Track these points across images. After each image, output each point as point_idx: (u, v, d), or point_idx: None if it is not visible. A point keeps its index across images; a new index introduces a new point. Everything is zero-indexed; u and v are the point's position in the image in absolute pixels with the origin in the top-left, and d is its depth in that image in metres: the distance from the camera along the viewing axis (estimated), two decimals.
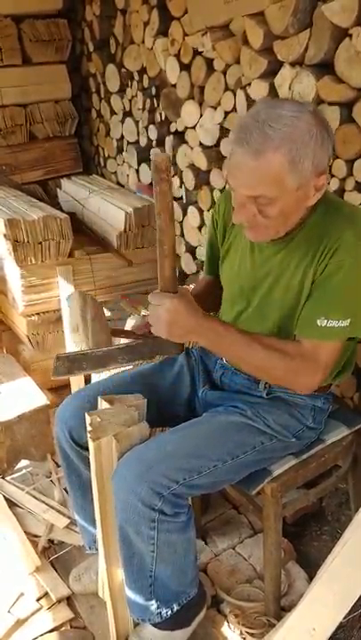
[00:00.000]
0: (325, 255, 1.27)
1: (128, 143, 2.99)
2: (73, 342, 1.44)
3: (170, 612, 1.45)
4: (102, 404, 1.46)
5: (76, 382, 2.61)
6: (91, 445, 1.39)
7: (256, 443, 1.43)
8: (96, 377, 2.40)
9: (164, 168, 1.15)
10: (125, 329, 1.58)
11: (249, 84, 2.00)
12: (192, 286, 2.20)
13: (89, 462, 1.44)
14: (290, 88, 1.81)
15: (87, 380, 2.57)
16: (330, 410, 1.56)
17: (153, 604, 1.43)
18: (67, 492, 2.05)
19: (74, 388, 2.58)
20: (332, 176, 1.77)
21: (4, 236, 2.47)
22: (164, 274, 1.25)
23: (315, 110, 1.21)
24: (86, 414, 1.41)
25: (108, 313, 2.51)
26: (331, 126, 1.24)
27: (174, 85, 2.43)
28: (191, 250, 2.64)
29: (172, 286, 1.25)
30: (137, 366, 1.69)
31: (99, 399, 1.47)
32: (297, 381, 1.35)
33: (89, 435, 1.39)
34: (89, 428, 1.39)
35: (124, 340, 1.79)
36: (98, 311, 1.42)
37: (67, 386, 2.66)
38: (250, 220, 1.27)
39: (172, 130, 2.56)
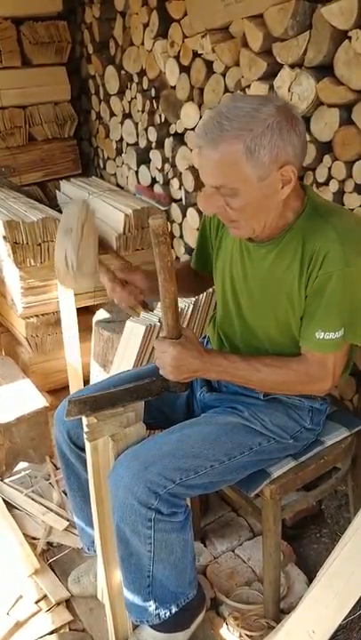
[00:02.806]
0: (313, 266, 1.27)
1: (127, 145, 2.99)
2: (59, 247, 1.39)
3: (168, 614, 1.45)
4: None
5: (75, 384, 2.61)
6: (87, 446, 1.39)
7: (253, 444, 1.43)
8: (95, 379, 2.40)
9: (161, 232, 1.21)
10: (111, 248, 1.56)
11: (248, 86, 2.00)
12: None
13: (87, 463, 1.44)
14: (289, 90, 1.81)
15: (86, 381, 2.57)
16: (327, 411, 1.56)
17: (151, 605, 1.43)
18: (65, 495, 2.05)
19: (72, 390, 2.58)
20: (332, 178, 1.77)
21: (4, 237, 2.47)
22: (168, 323, 1.33)
23: (283, 104, 1.22)
24: (83, 415, 1.41)
25: (106, 315, 2.51)
26: (300, 120, 1.24)
27: (174, 87, 2.43)
28: (190, 251, 2.64)
29: (176, 333, 1.33)
30: (136, 367, 1.69)
31: None
32: (311, 390, 1.42)
33: (86, 435, 1.39)
34: (86, 429, 1.40)
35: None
36: (91, 222, 1.39)
37: (65, 388, 2.67)
38: (220, 214, 1.30)
39: (172, 131, 2.56)
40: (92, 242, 1.39)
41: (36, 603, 1.72)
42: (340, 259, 1.24)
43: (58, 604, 1.72)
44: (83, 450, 1.50)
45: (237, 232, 1.34)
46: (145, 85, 2.69)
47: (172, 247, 2.75)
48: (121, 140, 3.04)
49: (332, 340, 1.30)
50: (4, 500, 2.07)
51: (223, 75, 2.12)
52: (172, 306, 1.31)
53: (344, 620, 1.38)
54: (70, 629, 1.67)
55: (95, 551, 1.62)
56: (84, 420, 1.42)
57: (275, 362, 1.38)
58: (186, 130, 2.43)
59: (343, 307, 1.29)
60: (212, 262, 1.59)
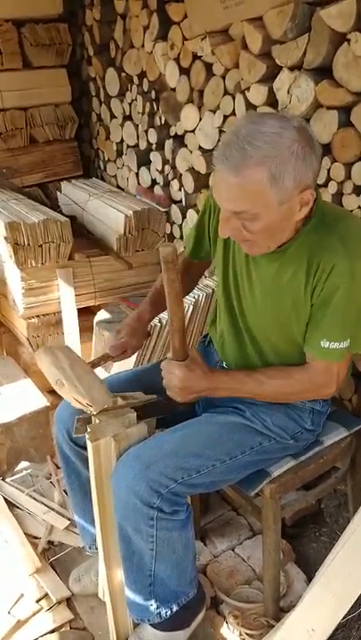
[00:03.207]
0: (320, 277, 1.27)
1: (128, 146, 3.00)
2: (64, 396, 1.44)
3: (169, 613, 1.46)
4: None
5: None
6: (89, 446, 1.40)
7: (254, 443, 1.44)
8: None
9: (171, 260, 1.23)
10: (102, 355, 1.64)
11: (248, 89, 2.01)
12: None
13: (88, 462, 1.45)
14: (288, 92, 1.82)
15: None
16: (328, 412, 1.57)
17: (152, 604, 1.44)
18: (66, 494, 2.05)
19: None
20: (331, 179, 1.78)
21: (5, 238, 2.48)
22: (175, 345, 1.35)
23: (300, 126, 1.20)
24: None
25: (107, 315, 2.52)
26: (317, 141, 1.23)
27: (174, 89, 2.45)
28: None
29: (182, 355, 1.36)
30: (137, 366, 1.70)
31: None
32: (316, 396, 1.46)
33: (87, 436, 1.40)
34: (88, 429, 1.40)
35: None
36: (71, 356, 1.43)
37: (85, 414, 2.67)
38: (236, 235, 1.28)
39: (172, 133, 2.58)
40: (84, 374, 1.42)
41: (37, 601, 1.73)
42: (346, 271, 1.24)
43: (59, 602, 1.73)
44: (83, 448, 1.50)
45: (251, 250, 1.34)
46: (145, 87, 2.71)
47: None
48: (121, 141, 3.06)
49: (337, 349, 1.32)
50: (5, 500, 2.08)
51: (223, 77, 2.13)
52: (180, 329, 1.33)
53: (343, 618, 1.39)
54: (71, 628, 1.68)
55: (96, 549, 1.63)
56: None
57: (278, 373, 1.40)
58: (186, 132, 2.44)
59: (348, 318, 1.30)
60: (208, 249, 1.60)
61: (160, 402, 1.47)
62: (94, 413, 1.40)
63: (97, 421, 1.42)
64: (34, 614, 1.70)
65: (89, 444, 1.40)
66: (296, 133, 1.17)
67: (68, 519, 1.98)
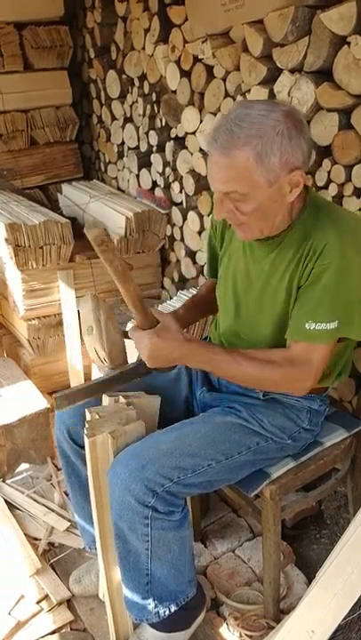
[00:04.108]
0: (310, 258, 1.30)
1: (129, 149, 3.01)
2: (87, 344, 1.50)
3: (168, 612, 1.45)
4: (106, 401, 1.50)
5: (76, 382, 2.63)
6: (86, 442, 1.41)
7: (251, 443, 1.44)
8: (96, 376, 2.42)
9: (100, 242, 1.23)
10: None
11: (249, 91, 2.01)
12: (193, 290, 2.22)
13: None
14: (289, 95, 1.83)
15: (87, 379, 2.59)
16: (326, 412, 1.57)
17: (150, 604, 1.44)
18: (67, 495, 2.06)
19: None
20: (331, 181, 1.78)
21: (6, 240, 2.48)
22: (137, 315, 1.36)
23: (289, 109, 1.25)
24: (86, 410, 1.44)
25: None
26: (306, 124, 1.27)
27: (174, 92, 2.45)
28: (191, 254, 2.66)
29: (148, 324, 1.35)
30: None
31: (103, 396, 1.50)
32: (292, 386, 1.39)
33: (85, 431, 1.40)
34: (86, 425, 1.41)
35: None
36: (110, 313, 1.52)
37: (67, 389, 2.68)
38: (230, 217, 1.33)
39: (173, 135, 2.58)
40: (113, 331, 1.48)
41: (38, 603, 1.73)
42: (337, 251, 1.26)
43: (59, 603, 1.73)
44: (83, 447, 1.51)
45: (245, 235, 1.36)
46: (146, 90, 2.71)
47: (173, 249, 2.77)
48: (122, 143, 3.06)
49: (324, 330, 1.30)
50: (5, 501, 2.08)
51: (224, 79, 2.14)
52: (132, 300, 1.33)
53: (343, 620, 1.39)
54: (71, 629, 1.68)
55: (96, 550, 1.63)
56: (87, 416, 1.44)
57: (258, 355, 1.36)
58: (186, 134, 2.45)
59: (338, 299, 1.30)
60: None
61: (139, 365, 1.47)
62: (107, 368, 1.47)
63: (97, 417, 1.42)
64: (34, 615, 1.70)
65: (86, 440, 1.41)
66: (283, 116, 1.22)
67: (69, 521, 1.98)
